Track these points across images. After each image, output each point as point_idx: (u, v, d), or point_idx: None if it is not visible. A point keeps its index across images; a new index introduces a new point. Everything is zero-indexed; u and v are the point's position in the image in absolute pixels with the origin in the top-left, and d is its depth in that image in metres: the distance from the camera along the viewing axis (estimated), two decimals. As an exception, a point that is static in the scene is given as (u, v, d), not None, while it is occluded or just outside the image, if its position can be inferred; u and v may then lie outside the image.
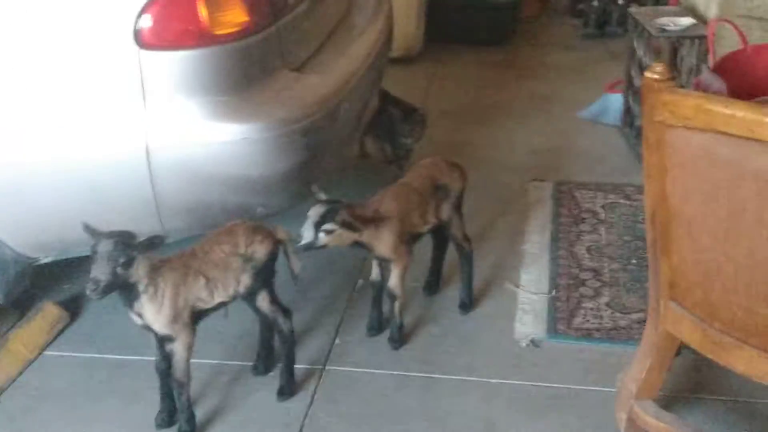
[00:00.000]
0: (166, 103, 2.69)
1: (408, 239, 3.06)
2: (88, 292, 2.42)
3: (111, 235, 2.42)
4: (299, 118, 2.85)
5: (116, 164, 2.75)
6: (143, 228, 2.87)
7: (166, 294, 2.55)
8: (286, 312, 2.85)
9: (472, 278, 3.32)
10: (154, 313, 2.54)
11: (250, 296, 2.76)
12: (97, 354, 3.14)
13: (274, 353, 2.94)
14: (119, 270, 2.41)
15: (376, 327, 3.18)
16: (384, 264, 3.08)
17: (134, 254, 2.44)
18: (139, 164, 2.73)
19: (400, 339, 3.13)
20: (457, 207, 3.21)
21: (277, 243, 2.77)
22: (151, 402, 2.77)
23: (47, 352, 3.16)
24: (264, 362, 2.98)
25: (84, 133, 2.73)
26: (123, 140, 2.72)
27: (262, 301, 2.78)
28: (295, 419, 2.80)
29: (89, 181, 2.77)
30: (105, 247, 2.40)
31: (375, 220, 2.92)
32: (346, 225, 2.80)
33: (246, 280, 2.71)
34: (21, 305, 3.28)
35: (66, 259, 3.12)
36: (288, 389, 2.87)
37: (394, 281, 3.05)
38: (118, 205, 2.83)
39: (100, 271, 2.40)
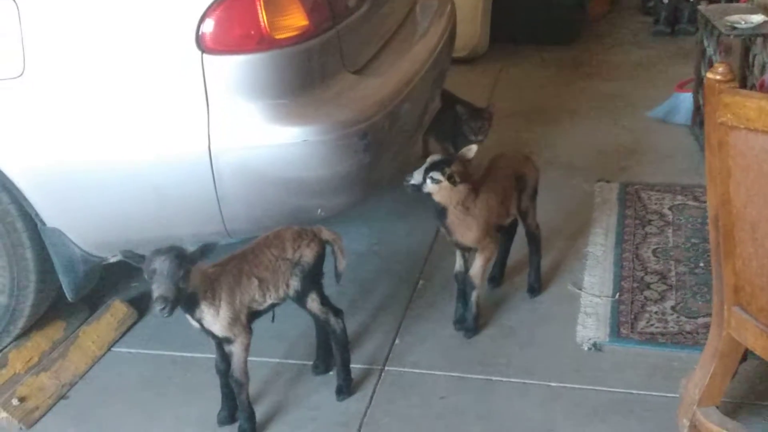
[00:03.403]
0: (227, 107, 2.74)
1: (494, 231, 3.10)
2: (158, 311, 2.44)
3: (162, 252, 2.45)
4: (359, 121, 2.87)
5: (180, 166, 2.81)
6: (206, 229, 2.95)
7: (222, 298, 2.59)
8: (337, 312, 2.87)
9: (540, 264, 3.39)
10: (213, 316, 2.59)
11: (299, 298, 2.79)
12: (164, 351, 3.21)
13: (333, 352, 2.97)
14: (181, 284, 2.44)
15: (463, 320, 3.20)
16: (467, 254, 3.12)
17: (190, 266, 2.48)
18: (202, 166, 2.79)
19: (474, 329, 3.16)
20: (533, 198, 3.29)
21: (323, 244, 2.80)
22: (214, 398, 2.83)
23: (115, 349, 3.25)
24: (323, 361, 3.01)
25: (149, 136, 2.79)
26: (187, 143, 2.78)
27: (312, 302, 2.81)
28: (353, 419, 2.82)
29: (154, 182, 2.84)
30: (162, 264, 2.42)
31: (472, 196, 2.98)
32: (450, 178, 2.88)
33: (294, 283, 2.74)
34: (90, 302, 3.39)
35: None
36: (346, 388, 2.89)
37: (475, 270, 3.10)
38: (182, 206, 2.89)
39: (164, 289, 2.41)
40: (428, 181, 2.89)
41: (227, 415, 2.80)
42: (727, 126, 2.08)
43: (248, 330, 2.67)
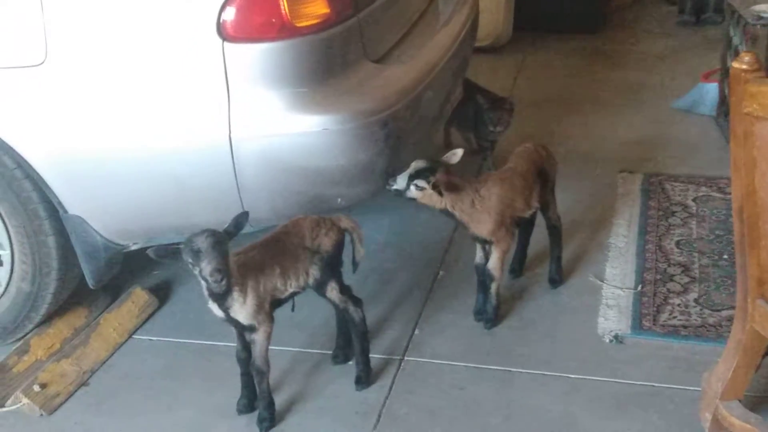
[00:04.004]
0: (248, 95, 2.73)
1: (511, 224, 3.07)
2: (213, 284, 2.46)
3: (199, 233, 2.45)
4: (380, 110, 2.85)
5: (200, 154, 2.81)
6: (226, 218, 2.93)
7: (249, 285, 2.59)
8: (357, 301, 2.87)
9: (561, 255, 3.37)
10: (241, 304, 2.59)
11: (319, 287, 2.79)
12: (184, 339, 3.22)
13: (352, 342, 2.96)
14: (227, 258, 2.47)
15: (483, 311, 3.19)
16: (486, 247, 3.10)
17: (229, 240, 2.50)
18: (222, 154, 2.78)
19: (494, 320, 3.16)
20: (553, 190, 3.28)
21: (342, 232, 2.81)
22: (234, 387, 2.83)
23: (136, 336, 3.27)
24: (343, 351, 3.01)
25: (170, 124, 2.79)
26: (207, 131, 2.78)
27: (332, 291, 2.81)
28: (372, 409, 2.82)
29: (174, 171, 2.84)
30: (205, 242, 2.42)
31: (468, 195, 2.96)
32: (435, 187, 2.87)
33: (314, 271, 2.74)
34: (112, 290, 3.40)
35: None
36: (365, 378, 2.89)
37: (493, 263, 3.09)
38: (202, 195, 2.89)
39: (216, 262, 2.41)
40: (412, 188, 2.88)
41: (247, 403, 2.80)
42: (752, 116, 2.05)
43: (271, 318, 2.67)
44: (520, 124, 4.44)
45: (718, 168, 4.16)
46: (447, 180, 2.90)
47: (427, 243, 3.74)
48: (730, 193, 3.87)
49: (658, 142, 4.55)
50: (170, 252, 2.49)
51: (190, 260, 2.45)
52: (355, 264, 2.88)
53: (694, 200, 3.90)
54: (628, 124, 4.80)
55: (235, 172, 2.80)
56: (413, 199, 2.92)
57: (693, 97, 4.85)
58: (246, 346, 2.72)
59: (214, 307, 2.62)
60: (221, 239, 2.45)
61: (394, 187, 2.89)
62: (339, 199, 2.93)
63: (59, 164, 2.87)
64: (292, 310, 2.83)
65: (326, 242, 2.75)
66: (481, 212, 2.98)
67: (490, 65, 5.62)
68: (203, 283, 2.53)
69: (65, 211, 2.94)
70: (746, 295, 2.31)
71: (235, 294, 2.56)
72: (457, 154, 2.96)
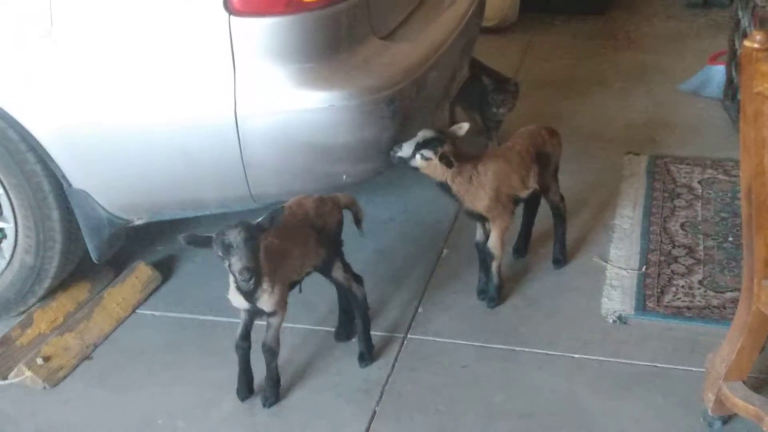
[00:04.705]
0: (254, 70, 2.71)
1: (507, 201, 3.06)
2: (241, 282, 2.43)
3: (232, 226, 2.40)
4: (386, 87, 2.84)
5: (206, 129, 2.80)
6: (231, 194, 2.94)
7: (277, 274, 2.57)
8: (358, 279, 2.88)
9: (566, 236, 3.36)
10: (269, 294, 2.56)
11: (325, 266, 2.79)
12: (188, 314, 3.22)
13: (354, 319, 2.96)
14: (258, 254, 2.41)
15: (486, 290, 3.18)
16: (486, 225, 3.09)
17: (261, 235, 2.45)
18: (228, 129, 2.77)
19: (497, 298, 3.15)
20: (555, 173, 3.25)
21: (342, 210, 2.81)
22: (236, 362, 2.83)
23: (140, 311, 3.27)
24: (345, 328, 3.00)
25: (175, 98, 2.78)
26: (213, 105, 2.76)
27: (337, 270, 2.82)
28: (375, 385, 2.82)
29: (179, 145, 2.83)
30: (237, 237, 2.37)
31: (467, 170, 2.95)
32: (442, 158, 2.85)
33: (322, 251, 2.74)
34: (115, 265, 3.40)
35: (159, 222, 3.22)
36: (367, 355, 2.89)
37: (493, 240, 3.08)
38: (208, 170, 2.88)
39: (246, 260, 2.37)
40: (418, 157, 2.86)
41: (246, 390, 2.78)
42: (763, 95, 2.04)
43: (286, 301, 2.66)
44: (527, 104, 4.42)
45: (725, 150, 4.14)
46: (455, 152, 2.88)
47: (430, 222, 3.73)
48: (736, 176, 3.89)
49: (664, 124, 4.53)
50: (201, 241, 2.44)
51: (220, 253, 2.41)
52: (360, 228, 2.91)
53: (699, 182, 3.88)
54: (634, 105, 4.77)
55: (240, 147, 2.79)
56: (415, 169, 2.90)
57: (700, 80, 4.82)
58: (247, 336, 2.70)
59: (238, 300, 2.58)
60: (254, 235, 2.40)
61: (399, 154, 2.88)
62: (344, 176, 2.92)
63: (64, 137, 2.86)
64: (300, 291, 2.81)
65: (330, 220, 2.75)
66: (476, 187, 2.97)
67: (497, 46, 5.58)
68: (231, 277, 2.50)
69: (69, 185, 2.93)
70: (752, 276, 2.30)
71: (265, 285, 2.53)
72: (463, 128, 2.96)
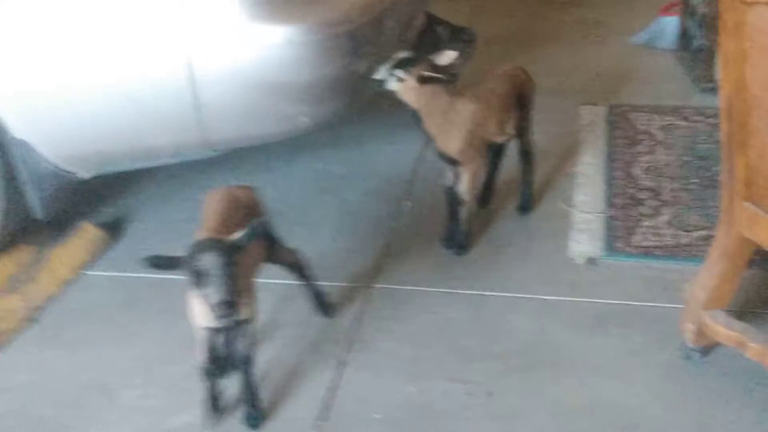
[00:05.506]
0: (206, 3, 2.56)
1: (480, 145, 2.95)
2: (220, 320, 2.04)
3: (205, 247, 2.02)
4: (344, 21, 2.72)
5: (156, 70, 2.65)
6: (185, 140, 2.79)
7: (253, 279, 2.31)
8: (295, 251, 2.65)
9: (533, 181, 3.27)
10: (249, 304, 2.24)
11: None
12: (141, 274, 3.04)
13: None
14: (237, 281, 2.04)
15: (452, 238, 3.07)
16: (456, 169, 2.96)
17: (240, 257, 2.07)
18: (179, 69, 2.62)
19: (465, 246, 3.05)
20: (530, 114, 3.15)
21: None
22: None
23: (89, 272, 3.09)
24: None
25: (122, 37, 2.62)
26: (162, 43, 2.61)
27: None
28: (343, 335, 2.70)
29: (128, 89, 2.67)
30: (212, 262, 1.99)
31: (441, 104, 2.80)
32: (419, 78, 2.72)
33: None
34: (60, 226, 3.21)
35: (105, 180, 3.05)
36: (326, 310, 2.75)
37: (463, 185, 2.96)
38: (159, 114, 2.74)
39: (224, 292, 1.98)
40: (392, 78, 2.74)
41: (216, 417, 2.40)
42: (745, 3, 1.96)
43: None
44: (480, 60, 4.31)
45: (682, 100, 4.11)
46: (431, 72, 2.75)
47: (390, 177, 3.61)
48: (696, 122, 3.86)
49: (618, 76, 4.48)
50: (167, 263, 2.06)
51: (192, 280, 2.04)
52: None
53: (660, 129, 3.84)
54: (587, 59, 4.71)
55: (193, 87, 2.64)
56: (392, 94, 2.77)
57: (652, 32, 4.78)
58: (217, 356, 2.28)
59: (207, 319, 2.14)
60: (233, 259, 2.02)
61: (374, 76, 2.73)
62: (303, 118, 2.79)
63: (1, 83, 2.67)
64: None
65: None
66: (450, 127, 2.85)
67: (444, 5, 5.47)
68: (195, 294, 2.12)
69: (9, 135, 2.74)
70: (732, 197, 2.24)
71: (244, 299, 2.15)
72: (447, 55, 2.79)
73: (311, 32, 2.63)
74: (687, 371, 2.48)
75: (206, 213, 2.35)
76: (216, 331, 2.22)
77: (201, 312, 2.15)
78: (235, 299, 2.02)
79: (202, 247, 2.03)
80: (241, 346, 2.29)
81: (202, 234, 2.21)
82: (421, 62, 2.76)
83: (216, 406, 2.38)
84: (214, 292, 2.00)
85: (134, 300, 2.93)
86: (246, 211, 2.36)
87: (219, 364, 2.29)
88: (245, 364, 2.32)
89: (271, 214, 2.54)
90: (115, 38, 2.63)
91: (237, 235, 2.08)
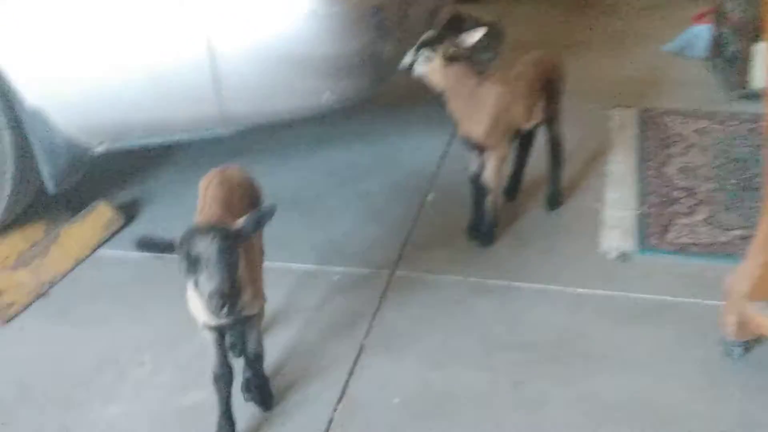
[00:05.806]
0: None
1: (506, 131, 2.83)
2: (215, 313, 1.82)
3: (203, 231, 1.80)
4: (371, -6, 2.61)
5: (174, 41, 2.56)
6: (201, 113, 2.70)
7: (254, 268, 2.12)
8: None
9: (561, 174, 3.14)
10: (252, 299, 2.03)
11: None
12: (154, 254, 2.94)
13: None
14: (237, 271, 1.83)
15: (477, 229, 2.95)
16: (481, 155, 2.85)
17: (241, 245, 1.88)
18: (198, 40, 2.53)
19: (491, 236, 2.93)
20: (560, 103, 3.03)
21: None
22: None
23: (102, 251, 3.00)
24: None
25: (142, 9, 2.53)
26: (181, 15, 2.52)
27: None
28: (362, 319, 2.58)
29: (146, 58, 2.58)
30: (209, 249, 1.76)
31: (468, 85, 2.71)
32: (446, 56, 2.64)
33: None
34: (74, 207, 3.12)
35: (126, 162, 2.95)
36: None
37: (488, 172, 2.84)
38: (176, 86, 2.64)
39: (219, 281, 1.76)
40: (420, 59, 2.65)
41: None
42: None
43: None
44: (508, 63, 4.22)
45: (715, 105, 3.99)
46: (456, 52, 2.66)
47: (415, 168, 3.51)
48: (731, 125, 3.73)
49: (650, 82, 4.37)
50: (159, 246, 1.85)
51: (184, 266, 1.80)
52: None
53: (694, 131, 3.71)
54: (618, 65, 4.61)
55: (211, 59, 2.54)
56: (421, 76, 2.69)
57: (684, 40, 4.68)
58: (227, 360, 2.10)
59: (207, 316, 1.95)
60: (232, 244, 1.80)
61: (403, 61, 2.65)
62: (326, 93, 2.68)
63: (15, 48, 2.58)
64: None
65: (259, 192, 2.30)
66: (476, 110, 2.74)
67: (472, 13, 5.38)
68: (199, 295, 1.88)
69: (23, 103, 2.65)
70: (779, 182, 2.11)
71: (246, 296, 1.98)
72: (473, 35, 2.69)
73: (336, 4, 2.53)
74: (725, 367, 2.34)
75: (204, 198, 2.15)
76: (219, 330, 2.04)
77: (198, 307, 1.95)
78: (231, 291, 1.79)
79: (198, 229, 1.82)
80: (250, 344, 2.14)
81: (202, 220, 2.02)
82: (447, 41, 2.67)
83: (230, 417, 2.13)
84: (208, 281, 1.76)
85: (146, 278, 2.83)
86: (241, 192, 2.17)
87: (231, 368, 2.09)
88: (258, 362, 2.18)
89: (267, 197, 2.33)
90: (134, 7, 2.54)
91: (241, 222, 1.88)
